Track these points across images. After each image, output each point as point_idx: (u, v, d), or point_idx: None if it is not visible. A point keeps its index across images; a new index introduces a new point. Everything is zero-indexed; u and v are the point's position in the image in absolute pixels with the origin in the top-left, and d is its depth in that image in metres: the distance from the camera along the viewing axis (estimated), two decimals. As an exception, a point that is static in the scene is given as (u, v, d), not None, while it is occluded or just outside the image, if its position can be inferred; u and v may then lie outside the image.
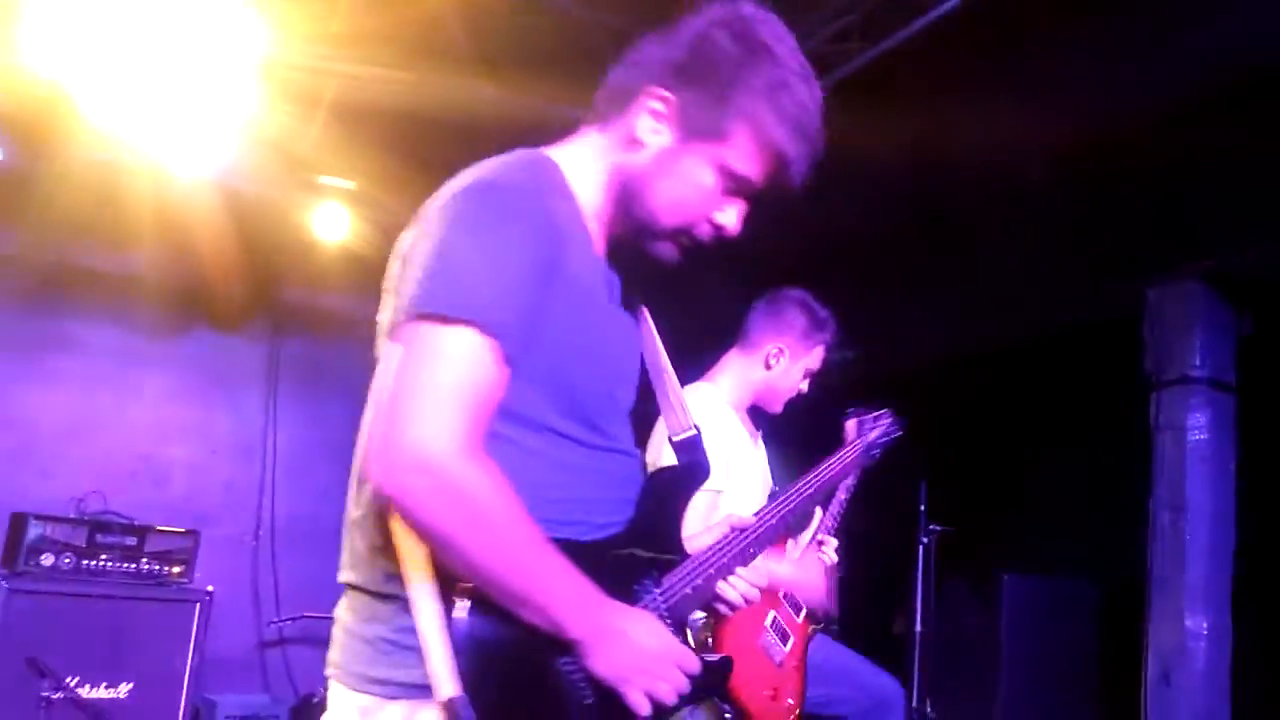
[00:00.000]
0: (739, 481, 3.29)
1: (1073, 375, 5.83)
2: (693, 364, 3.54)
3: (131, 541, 5.54)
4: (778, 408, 3.61)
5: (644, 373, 1.95)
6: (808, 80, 1.74)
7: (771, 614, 3.31)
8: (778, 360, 3.52)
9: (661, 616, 1.72)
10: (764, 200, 1.80)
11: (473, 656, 1.49)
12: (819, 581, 3.35)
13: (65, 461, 6.24)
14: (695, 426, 1.96)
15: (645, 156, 1.74)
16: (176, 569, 5.67)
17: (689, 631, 3.01)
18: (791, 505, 1.99)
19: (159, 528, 5.72)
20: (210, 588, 5.71)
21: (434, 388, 1.49)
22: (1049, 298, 5.69)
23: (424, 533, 1.51)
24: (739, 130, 1.70)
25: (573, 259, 1.65)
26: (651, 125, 1.73)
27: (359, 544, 1.67)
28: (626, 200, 1.76)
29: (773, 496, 2.06)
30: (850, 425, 2.43)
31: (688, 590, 1.78)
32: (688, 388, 3.40)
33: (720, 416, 3.43)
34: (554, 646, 1.56)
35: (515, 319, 1.54)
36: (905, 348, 5.95)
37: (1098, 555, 5.58)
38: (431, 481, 1.46)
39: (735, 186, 1.75)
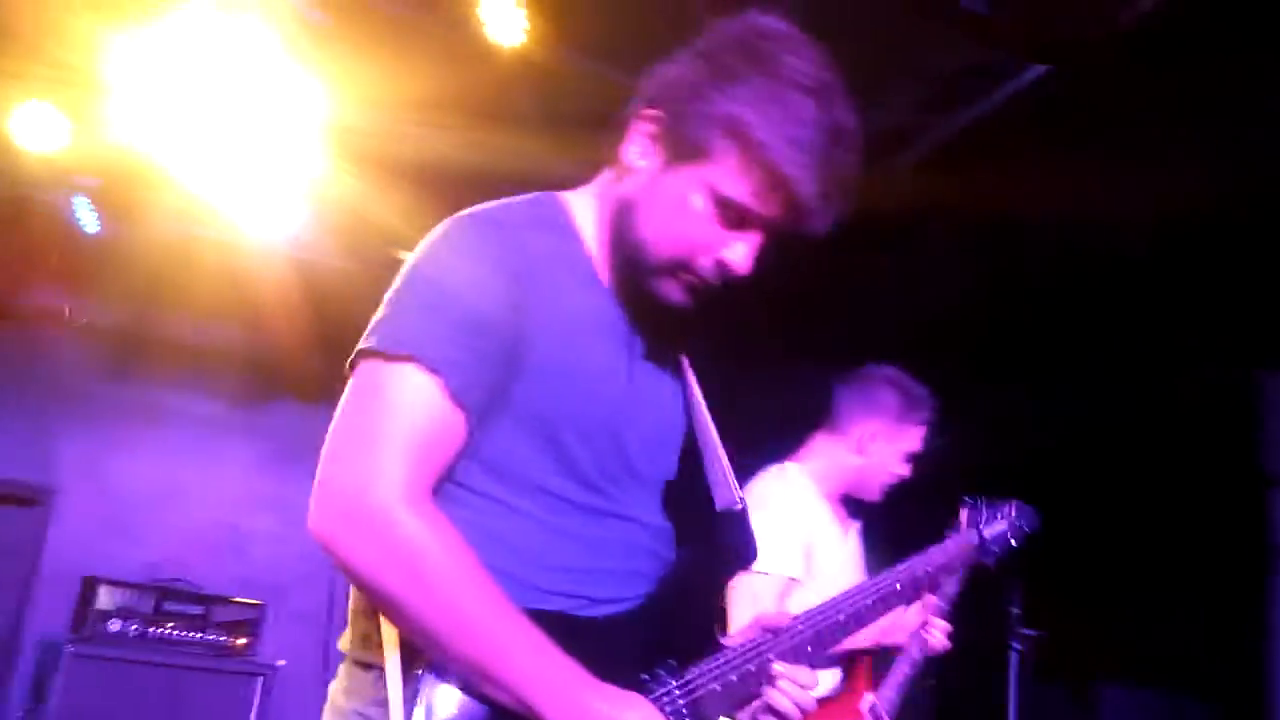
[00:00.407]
0: (822, 575, 3.03)
1: (1182, 469, 5.40)
2: (774, 448, 3.33)
3: (198, 610, 5.50)
4: (875, 495, 3.32)
5: (690, 438, 1.75)
6: (823, 95, 1.52)
7: None
8: (871, 445, 3.24)
9: (678, 713, 1.48)
10: (786, 240, 1.60)
11: None
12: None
13: (145, 530, 6.27)
14: (742, 500, 1.74)
15: (635, 183, 1.60)
16: (241, 640, 5.60)
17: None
18: (856, 607, 1.72)
19: (226, 598, 5.67)
20: (280, 662, 5.63)
21: (372, 429, 1.37)
22: (1153, 382, 5.30)
23: (362, 588, 1.39)
24: (722, 144, 1.51)
25: (562, 307, 1.52)
26: (640, 149, 1.59)
27: (351, 604, 1.56)
28: (618, 233, 1.60)
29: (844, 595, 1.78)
30: (963, 515, 2.12)
31: (715, 687, 1.54)
32: (774, 467, 3.19)
33: (804, 501, 3.16)
34: None
35: (464, 356, 1.41)
36: (994, 435, 5.60)
37: (1210, 668, 5.09)
38: (366, 531, 1.33)
39: (733, 215, 1.54)
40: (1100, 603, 5.64)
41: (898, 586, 1.77)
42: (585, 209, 1.66)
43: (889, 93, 4.02)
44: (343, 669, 1.54)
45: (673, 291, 1.58)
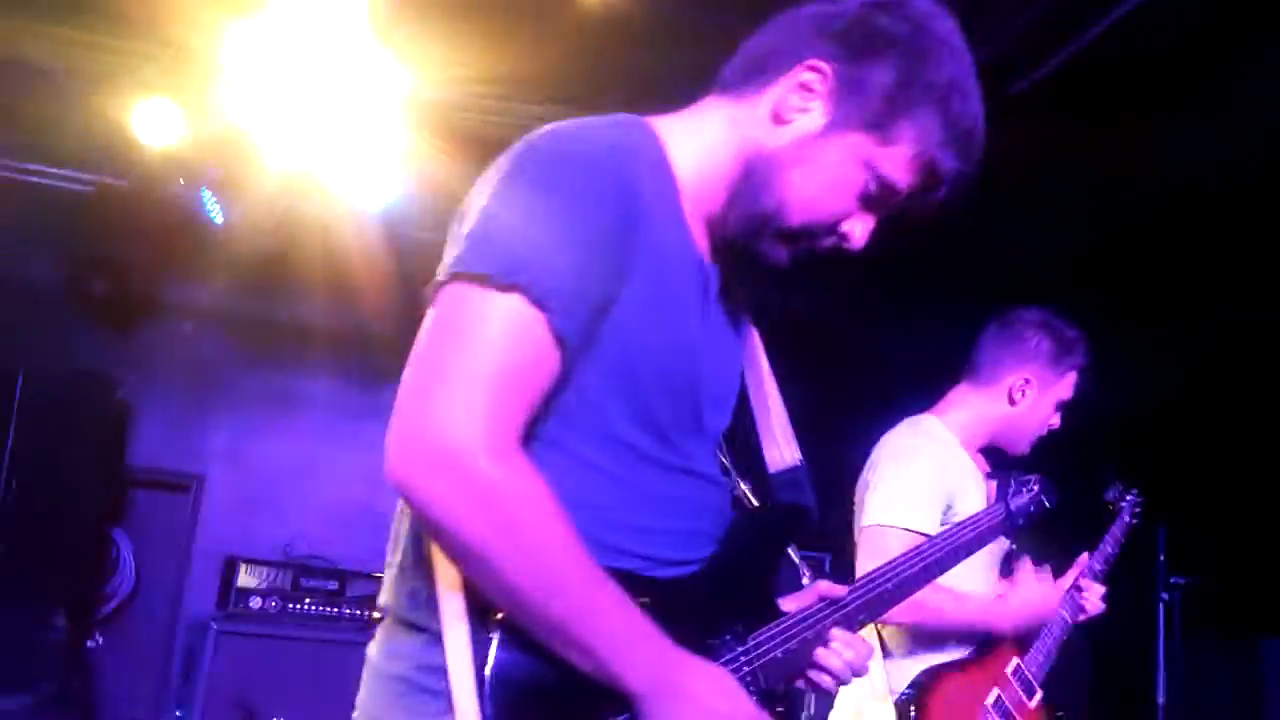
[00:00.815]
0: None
1: None
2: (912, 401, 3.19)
3: (333, 585, 5.66)
4: (1025, 447, 3.12)
5: (743, 394, 1.68)
6: (978, 91, 1.49)
7: (995, 693, 2.79)
8: (1024, 394, 3.04)
9: (744, 680, 1.43)
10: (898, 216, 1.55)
11: (506, 707, 1.24)
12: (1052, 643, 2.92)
13: (284, 510, 6.48)
14: (799, 461, 1.68)
15: (785, 137, 1.47)
16: (377, 614, 5.70)
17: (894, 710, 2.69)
18: (901, 576, 1.71)
19: (361, 573, 5.81)
20: (413, 633, 5.74)
21: (465, 363, 1.24)
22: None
23: (443, 542, 1.28)
24: (903, 131, 1.44)
25: (655, 242, 1.39)
26: (800, 101, 1.46)
27: (393, 557, 1.45)
28: (750, 186, 1.48)
29: (889, 564, 1.76)
30: (991, 487, 2.06)
31: (778, 654, 1.49)
32: (909, 420, 3.05)
33: (943, 453, 2.96)
34: (605, 699, 1.29)
35: (572, 291, 1.29)
36: (1137, 378, 5.29)
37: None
38: (453, 479, 1.22)
39: (880, 197, 1.48)
40: (1260, 550, 5.28)
41: (939, 555, 1.76)
42: (684, 140, 1.51)
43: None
44: (384, 629, 1.45)
45: (781, 255, 1.51)
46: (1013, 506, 2.04)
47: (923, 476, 2.83)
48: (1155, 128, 4.41)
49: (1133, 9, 3.66)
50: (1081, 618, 3.04)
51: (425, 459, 1.22)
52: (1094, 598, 3.06)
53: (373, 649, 1.46)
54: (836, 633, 1.57)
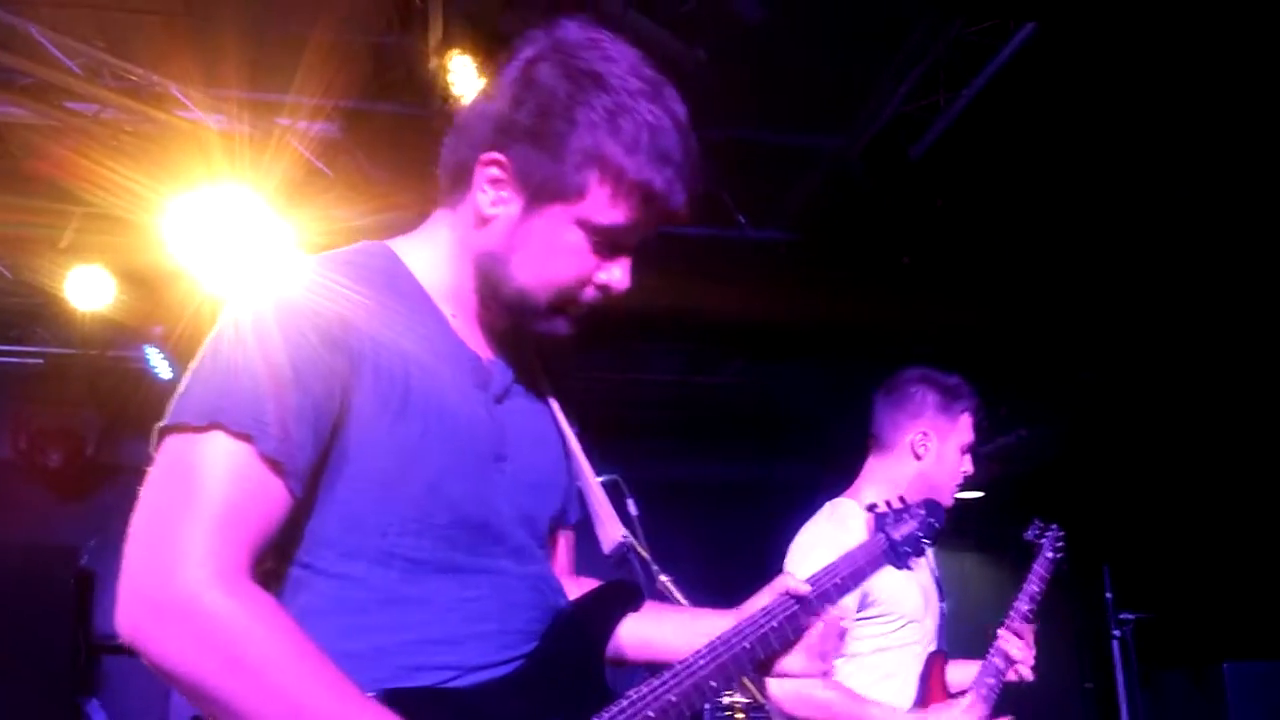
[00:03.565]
0: (889, 612, 2.90)
1: (1263, 415, 5.08)
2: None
3: None
4: (948, 500, 3.07)
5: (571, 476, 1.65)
6: (655, 94, 1.45)
7: None
8: (926, 447, 3.05)
9: None
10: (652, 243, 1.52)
11: None
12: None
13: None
14: (625, 538, 1.66)
15: (497, 232, 1.48)
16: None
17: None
18: (761, 631, 1.56)
19: None
20: None
21: (180, 509, 1.22)
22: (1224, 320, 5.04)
23: (183, 690, 1.21)
24: (589, 178, 1.42)
25: (395, 348, 1.38)
26: (492, 196, 1.46)
27: None
28: (490, 285, 1.50)
29: (764, 610, 1.66)
30: (868, 520, 2.02)
31: None
32: (826, 505, 3.07)
33: (854, 538, 2.98)
34: None
35: (276, 417, 1.26)
36: (1068, 426, 5.40)
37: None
38: (179, 623, 1.17)
39: (610, 242, 1.46)
40: (1205, 579, 5.32)
41: (809, 600, 1.61)
42: (421, 255, 1.53)
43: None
44: None
45: (557, 326, 1.51)
46: (896, 536, 1.94)
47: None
48: (1058, 180, 4.59)
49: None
50: (1011, 673, 3.01)
51: (151, 608, 1.19)
52: (1017, 648, 3.01)
53: None
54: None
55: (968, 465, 3.09)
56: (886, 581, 2.84)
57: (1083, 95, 4.08)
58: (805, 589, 1.55)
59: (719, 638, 1.53)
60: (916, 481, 2.98)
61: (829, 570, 1.70)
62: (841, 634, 1.68)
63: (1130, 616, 4.09)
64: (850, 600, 2.77)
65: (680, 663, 1.48)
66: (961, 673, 3.06)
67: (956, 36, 4.01)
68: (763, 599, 1.59)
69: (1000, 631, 2.95)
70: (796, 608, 1.60)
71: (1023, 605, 3.05)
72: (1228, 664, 4.33)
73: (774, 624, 1.57)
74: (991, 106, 4.05)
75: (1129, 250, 4.95)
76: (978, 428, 3.14)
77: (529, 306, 1.48)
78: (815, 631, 1.58)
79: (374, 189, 4.45)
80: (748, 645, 1.54)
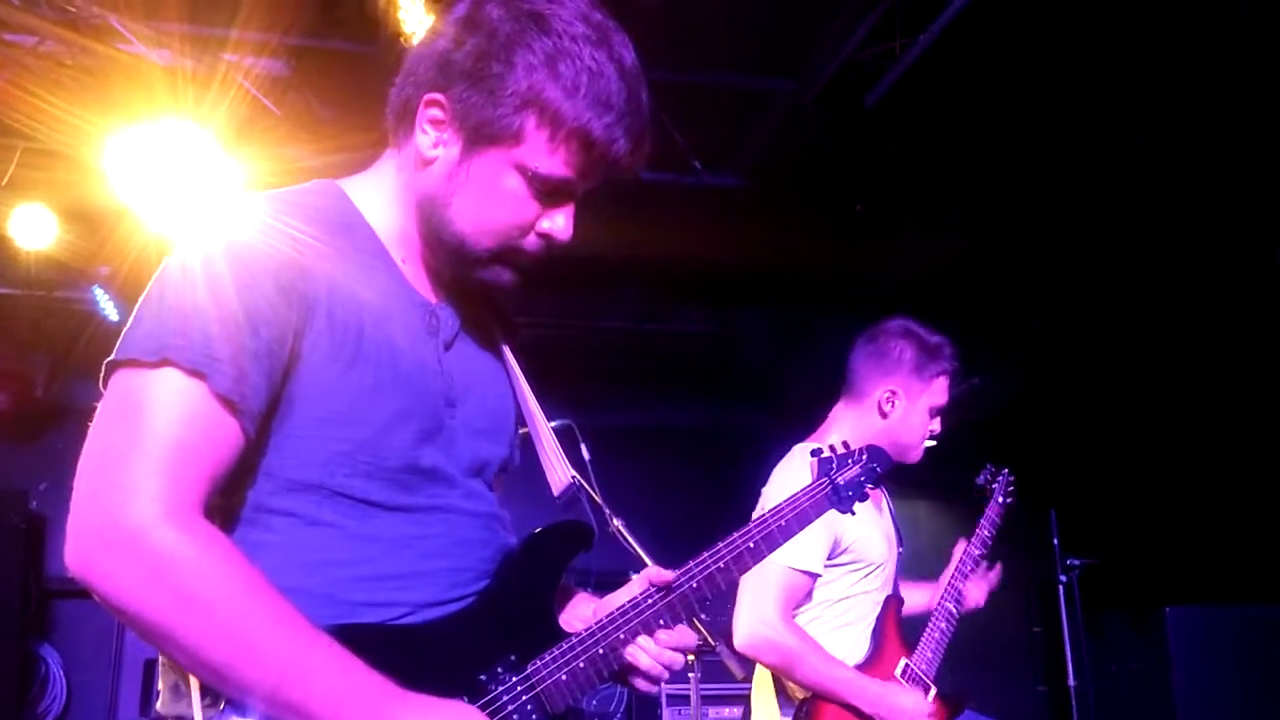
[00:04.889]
0: (859, 559, 2.91)
1: (1209, 361, 5.14)
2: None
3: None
4: (912, 456, 3.07)
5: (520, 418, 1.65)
6: (601, 40, 1.42)
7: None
8: (893, 405, 3.01)
9: (522, 709, 1.39)
10: (604, 188, 1.49)
11: None
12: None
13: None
14: (574, 479, 1.68)
15: (436, 174, 1.46)
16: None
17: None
18: (707, 571, 1.58)
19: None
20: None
21: (131, 444, 1.21)
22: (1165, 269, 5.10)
23: (132, 626, 1.21)
24: (526, 121, 1.40)
25: (348, 290, 1.39)
26: (433, 138, 1.45)
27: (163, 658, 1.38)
28: (431, 229, 1.48)
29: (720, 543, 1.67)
30: (813, 465, 2.00)
31: (562, 676, 1.43)
32: (795, 448, 3.05)
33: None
34: None
35: (228, 354, 1.26)
36: (1013, 372, 5.45)
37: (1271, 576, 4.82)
38: (128, 557, 1.17)
39: (550, 188, 1.45)
40: (1151, 524, 5.43)
41: (750, 545, 1.64)
42: (371, 197, 1.52)
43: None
44: None
45: (503, 275, 1.50)
46: (840, 480, 1.95)
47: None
48: (1009, 131, 4.59)
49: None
50: (966, 608, 3.06)
51: (100, 543, 1.19)
52: (975, 589, 3.09)
53: None
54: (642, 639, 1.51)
55: (936, 426, 3.07)
56: (857, 530, 2.89)
57: (1037, 43, 4.08)
58: (669, 577, 1.54)
59: (665, 580, 1.54)
60: (880, 437, 2.94)
61: (774, 512, 1.72)
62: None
63: (1076, 562, 4.16)
64: (820, 548, 2.80)
65: (625, 609, 1.50)
66: (913, 595, 3.11)
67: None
68: (630, 590, 1.57)
69: (962, 570, 3.00)
70: (750, 546, 1.63)
71: (974, 549, 3.11)
72: (1169, 608, 4.43)
73: (720, 564, 1.59)
74: (947, 53, 4.03)
75: (1080, 197, 4.98)
76: (953, 390, 3.11)
77: (469, 253, 1.47)
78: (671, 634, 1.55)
79: (324, 128, 4.39)
80: (694, 585, 1.55)
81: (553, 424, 1.74)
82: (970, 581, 3.13)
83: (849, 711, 2.75)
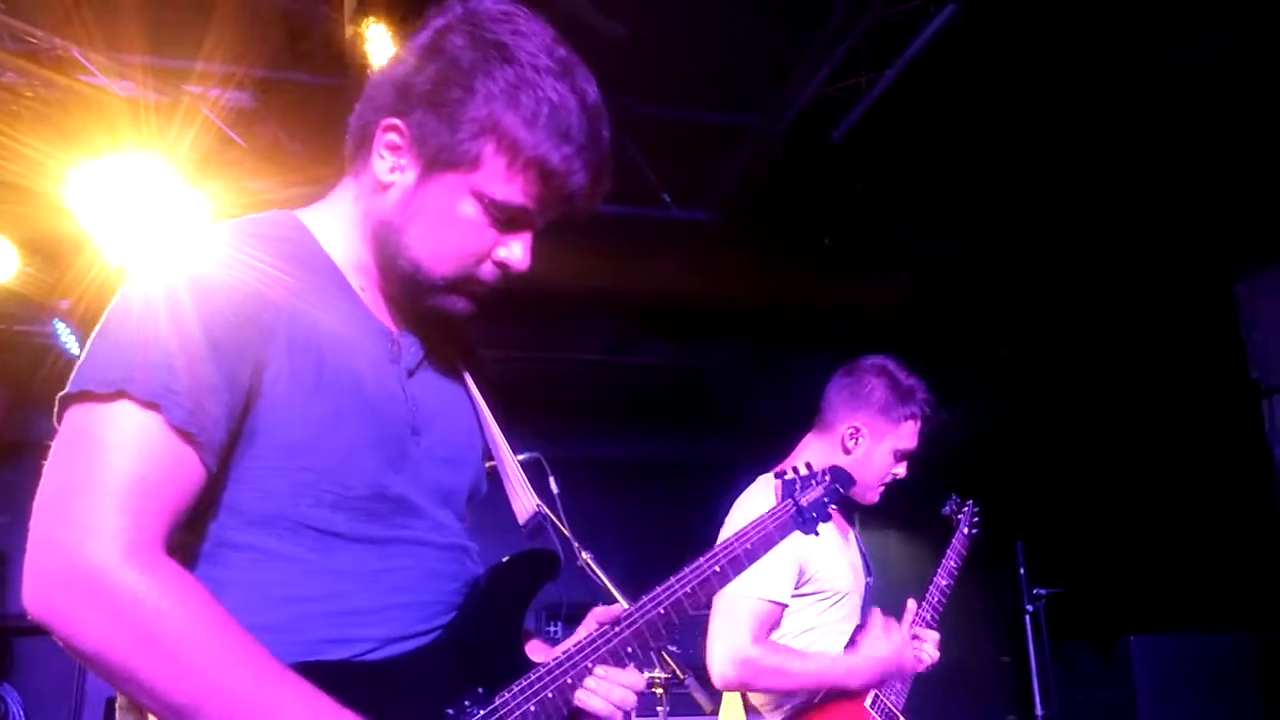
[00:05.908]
0: (825, 589, 2.89)
1: (1172, 394, 5.21)
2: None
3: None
4: (870, 498, 3.03)
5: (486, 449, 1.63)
6: (564, 74, 1.41)
7: None
8: (856, 442, 2.95)
9: None
10: (562, 222, 1.47)
11: None
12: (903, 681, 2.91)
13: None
14: (539, 508, 1.66)
15: (392, 200, 1.44)
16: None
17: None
18: (674, 596, 1.56)
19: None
20: None
21: (87, 480, 1.18)
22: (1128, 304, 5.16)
23: (96, 670, 1.18)
24: (484, 148, 1.39)
25: (307, 319, 1.36)
26: (390, 163, 1.44)
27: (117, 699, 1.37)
28: (386, 257, 1.46)
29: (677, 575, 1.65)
30: (776, 487, 1.99)
31: (530, 707, 1.40)
32: (762, 478, 3.01)
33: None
34: None
35: (185, 386, 1.23)
36: (980, 404, 5.49)
37: (1233, 604, 4.87)
38: (89, 598, 1.14)
39: (507, 217, 1.43)
40: (1114, 555, 5.47)
41: (717, 569, 1.62)
42: (328, 226, 1.50)
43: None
44: None
45: (458, 304, 1.48)
46: (804, 502, 1.94)
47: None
48: (974, 165, 4.65)
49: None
50: (921, 668, 2.95)
51: (59, 584, 1.15)
52: (930, 646, 2.97)
53: None
54: (599, 670, 1.47)
55: (900, 470, 3.01)
56: (822, 559, 2.86)
57: (1003, 77, 4.13)
58: (616, 614, 1.52)
59: (632, 607, 1.52)
60: None
61: (738, 536, 1.71)
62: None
63: (1043, 592, 4.17)
64: (787, 578, 2.78)
65: (592, 638, 1.48)
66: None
67: (878, 17, 4.03)
68: (585, 627, 1.55)
69: (915, 630, 2.95)
70: (716, 570, 1.62)
71: (941, 580, 3.08)
72: (1134, 637, 4.46)
73: (687, 589, 1.57)
74: (912, 89, 4.08)
75: (1046, 230, 5.04)
76: (923, 435, 3.02)
77: (424, 280, 1.45)
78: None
79: (291, 161, 4.37)
80: (661, 611, 1.53)
81: (520, 457, 1.72)
82: (923, 642, 3.06)
83: (837, 708, 2.73)
